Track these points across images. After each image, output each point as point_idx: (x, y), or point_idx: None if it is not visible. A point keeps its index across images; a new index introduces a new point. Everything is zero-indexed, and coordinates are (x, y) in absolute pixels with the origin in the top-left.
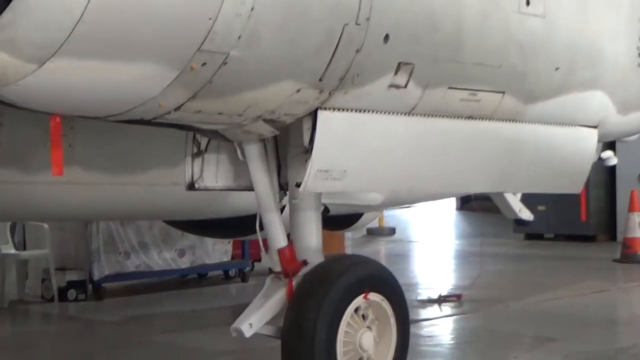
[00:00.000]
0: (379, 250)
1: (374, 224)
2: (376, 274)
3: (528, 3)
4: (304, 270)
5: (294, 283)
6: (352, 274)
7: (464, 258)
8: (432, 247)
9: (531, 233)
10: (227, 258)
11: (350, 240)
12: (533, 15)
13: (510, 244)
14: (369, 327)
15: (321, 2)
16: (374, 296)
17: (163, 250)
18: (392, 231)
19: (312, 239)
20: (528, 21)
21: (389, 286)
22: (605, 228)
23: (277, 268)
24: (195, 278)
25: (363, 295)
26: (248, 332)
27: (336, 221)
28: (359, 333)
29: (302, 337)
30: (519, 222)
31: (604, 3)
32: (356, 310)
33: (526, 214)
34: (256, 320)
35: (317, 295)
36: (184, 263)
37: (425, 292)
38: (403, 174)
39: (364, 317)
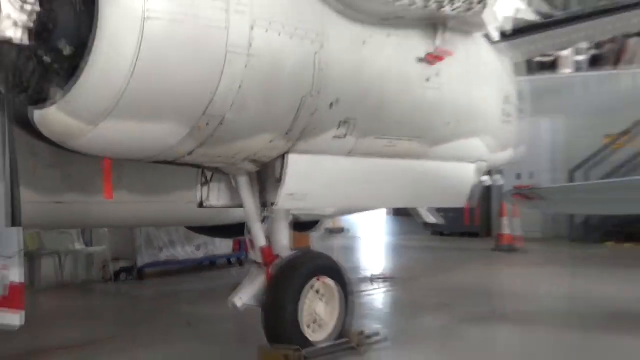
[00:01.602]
0: (334, 244)
1: (330, 224)
2: (327, 263)
3: (428, 80)
4: (278, 261)
5: (271, 270)
6: (310, 264)
7: (393, 249)
8: (371, 241)
9: (436, 231)
10: (229, 250)
11: (314, 237)
12: (432, 89)
13: (421, 239)
14: (321, 299)
15: (287, 81)
16: (325, 279)
17: (185, 246)
18: (343, 230)
19: (283, 240)
20: (428, 93)
21: (336, 272)
22: (485, 228)
23: (259, 260)
24: (208, 265)
25: (317, 278)
26: (239, 304)
27: (303, 225)
28: (314, 303)
29: (276, 306)
30: (426, 224)
31: (479, 80)
32: (313, 287)
33: (433, 219)
34: (245, 295)
35: (286, 279)
36: (200, 254)
37: (364, 272)
38: (345, 195)
39: (318, 292)
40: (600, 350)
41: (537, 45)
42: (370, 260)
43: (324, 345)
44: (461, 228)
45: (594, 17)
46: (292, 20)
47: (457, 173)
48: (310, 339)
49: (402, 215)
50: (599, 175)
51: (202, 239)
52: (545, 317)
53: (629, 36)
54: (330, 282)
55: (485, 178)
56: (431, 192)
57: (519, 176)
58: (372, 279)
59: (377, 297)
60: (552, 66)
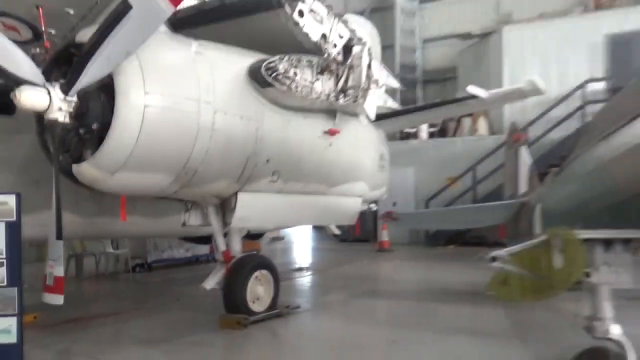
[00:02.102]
0: (275, 247)
1: (273, 233)
2: (264, 261)
3: (330, 145)
4: (233, 260)
5: (229, 266)
6: (253, 262)
7: (313, 250)
8: (299, 245)
9: (340, 239)
10: (207, 252)
11: (262, 243)
12: (332, 151)
13: (330, 244)
14: (260, 284)
15: (238, 147)
16: (263, 271)
17: (179, 248)
18: (281, 238)
19: (236, 246)
20: (329, 154)
21: (270, 266)
22: (372, 236)
23: (222, 259)
24: (194, 261)
25: (258, 271)
26: (208, 287)
27: (254, 235)
28: (256, 287)
29: (231, 289)
30: (333, 235)
31: (362, 145)
32: (255, 277)
33: (336, 231)
34: (212, 281)
35: (238, 271)
36: (189, 254)
37: (294, 265)
38: (277, 218)
39: (258, 279)
40: (432, 312)
41: (402, 122)
42: (298, 258)
43: (261, 314)
44: (356, 237)
45: (436, 107)
46: (241, 109)
47: (349, 203)
48: (253, 309)
49: (319, 228)
50: (442, 203)
51: (190, 244)
52: (404, 292)
53: (462, 116)
54: (266, 273)
55: (372, 205)
56: (332, 215)
57: (394, 204)
58: (299, 269)
59: (301, 281)
60: (415, 135)
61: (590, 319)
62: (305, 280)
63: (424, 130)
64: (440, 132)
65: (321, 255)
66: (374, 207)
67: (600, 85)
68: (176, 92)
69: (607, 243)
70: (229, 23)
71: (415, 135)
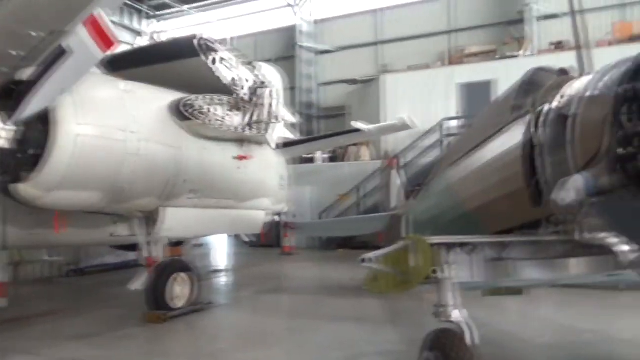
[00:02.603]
0: (196, 252)
1: (194, 241)
2: (183, 265)
3: (239, 168)
4: (155, 265)
5: (151, 270)
6: (174, 266)
7: (229, 255)
8: (218, 250)
9: (251, 244)
10: (134, 257)
11: (185, 248)
12: (241, 173)
13: (243, 249)
14: (179, 285)
15: (160, 169)
16: (182, 274)
17: (111, 255)
18: (202, 244)
19: (159, 252)
20: (239, 175)
21: (189, 269)
22: (277, 242)
23: (145, 264)
24: (124, 266)
25: (177, 273)
26: (133, 288)
27: (177, 243)
28: (175, 287)
29: (153, 289)
30: (244, 241)
31: (267, 168)
32: (175, 279)
33: (247, 238)
34: (137, 283)
35: (159, 274)
36: (119, 260)
37: (212, 267)
38: (194, 229)
39: (177, 281)
40: (324, 304)
41: (301, 150)
42: (215, 261)
43: (180, 310)
44: (264, 242)
45: (328, 138)
46: (163, 138)
47: (255, 216)
48: (173, 306)
49: (233, 236)
50: (333, 215)
51: (120, 252)
52: (302, 288)
53: (349, 145)
54: (184, 275)
55: (276, 217)
56: (241, 225)
57: (294, 216)
58: (216, 271)
59: (217, 281)
60: (312, 160)
61: (437, 307)
62: (221, 280)
63: (319, 156)
64: (332, 158)
65: (235, 259)
66: (277, 218)
67: (454, 123)
68: (105, 123)
69: (449, 246)
70: (156, 67)
71: (312, 160)
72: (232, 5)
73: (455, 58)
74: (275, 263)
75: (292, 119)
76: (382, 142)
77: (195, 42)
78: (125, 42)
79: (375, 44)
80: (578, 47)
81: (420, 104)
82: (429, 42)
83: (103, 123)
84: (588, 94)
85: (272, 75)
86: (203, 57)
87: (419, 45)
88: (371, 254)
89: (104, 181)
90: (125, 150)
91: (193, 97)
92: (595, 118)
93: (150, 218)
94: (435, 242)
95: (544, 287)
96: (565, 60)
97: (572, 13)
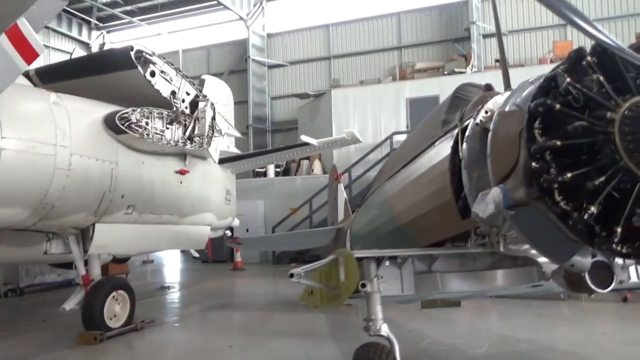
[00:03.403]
0: (146, 268)
1: (144, 257)
2: (121, 282)
3: (181, 182)
4: (92, 283)
5: (88, 288)
6: (111, 284)
7: (180, 271)
8: (168, 266)
9: (202, 260)
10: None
11: (132, 265)
12: (183, 187)
13: (195, 265)
14: (118, 303)
15: (94, 184)
16: (120, 292)
17: (51, 273)
18: (152, 260)
19: (95, 270)
20: (181, 190)
21: (126, 287)
22: (230, 257)
23: (81, 282)
24: (67, 284)
25: (115, 291)
26: (68, 307)
27: (120, 259)
28: (113, 306)
29: (89, 308)
30: (194, 257)
31: (210, 182)
32: (113, 297)
33: (196, 254)
34: (71, 302)
35: (96, 293)
36: (60, 278)
37: (160, 284)
38: (132, 246)
39: (116, 299)
40: (268, 319)
41: (253, 163)
42: (165, 277)
43: (118, 329)
44: (217, 257)
45: (278, 151)
46: (97, 152)
47: (198, 231)
48: (111, 326)
49: (184, 251)
50: (286, 229)
51: (60, 270)
52: (249, 304)
53: (301, 159)
54: (123, 292)
55: (227, 232)
56: (183, 241)
57: (247, 230)
58: (164, 288)
59: (165, 298)
60: (264, 174)
61: (366, 320)
62: (169, 297)
63: (271, 169)
64: (285, 171)
65: (185, 275)
66: (229, 233)
67: (403, 137)
68: (32, 137)
69: (378, 260)
70: (91, 79)
71: (264, 174)
72: (183, 17)
73: (405, 73)
74: (226, 279)
75: (236, 133)
76: (335, 155)
77: (132, 53)
78: (68, 52)
79: (327, 58)
80: (503, 65)
81: (371, 118)
82: (380, 57)
83: (29, 137)
84: (506, 109)
85: (221, 89)
86: (140, 70)
87: (371, 60)
88: (300, 269)
89: (30, 197)
90: (54, 165)
91: (130, 110)
92: (511, 133)
93: (86, 234)
94: (363, 255)
95: (485, 298)
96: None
97: (498, 36)
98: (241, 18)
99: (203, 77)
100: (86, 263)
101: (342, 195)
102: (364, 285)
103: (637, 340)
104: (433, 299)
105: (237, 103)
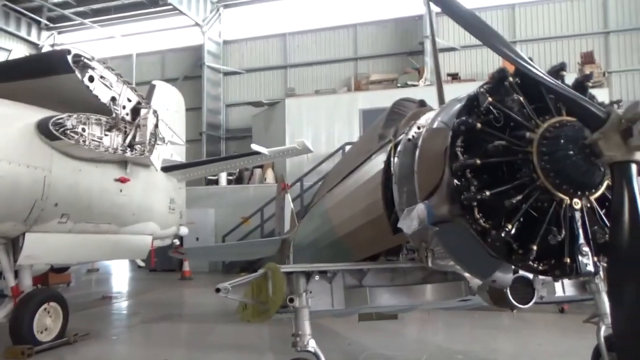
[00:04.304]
0: (91, 278)
1: (89, 266)
2: (54, 294)
3: (121, 191)
4: (22, 295)
5: (17, 300)
6: (42, 295)
7: (126, 280)
8: (114, 275)
9: (150, 269)
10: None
11: (75, 274)
12: (123, 196)
13: (142, 274)
14: (50, 316)
15: (24, 192)
16: (52, 304)
17: None
18: (97, 269)
19: (26, 281)
20: (121, 198)
21: (59, 299)
22: (179, 266)
23: (10, 294)
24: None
25: (48, 303)
26: None
27: (60, 269)
28: (44, 318)
29: (18, 321)
30: (139, 266)
31: (154, 191)
32: (45, 309)
33: (142, 263)
34: (0, 314)
35: (26, 305)
36: None
37: (101, 294)
38: (67, 256)
39: (48, 312)
40: (210, 331)
41: (197, 172)
42: (110, 287)
43: (49, 343)
44: (165, 266)
45: (229, 159)
46: (28, 158)
47: (139, 241)
48: (41, 340)
49: (132, 261)
50: (237, 238)
51: None
52: (194, 315)
53: (254, 167)
54: (55, 304)
55: (175, 240)
56: (124, 251)
57: (197, 239)
58: (107, 298)
59: (107, 309)
60: (216, 182)
61: (294, 336)
62: (110, 307)
63: (224, 177)
64: (237, 179)
65: (131, 284)
66: (177, 242)
67: None
68: None
69: (308, 274)
70: (25, 82)
71: (216, 182)
72: (138, 21)
73: (360, 84)
74: (173, 288)
75: (180, 141)
76: (288, 165)
77: (70, 57)
78: (23, 53)
79: (283, 67)
80: (438, 80)
81: (324, 127)
82: (336, 67)
83: None
84: (434, 126)
85: (172, 95)
86: (78, 74)
87: (327, 70)
88: (227, 283)
89: None
90: None
91: (65, 115)
92: (436, 149)
93: (15, 244)
94: (292, 270)
95: (423, 310)
96: (460, 89)
97: (434, 51)
98: (197, 24)
99: (154, 82)
100: (17, 273)
101: (289, 205)
102: (291, 300)
103: (569, 351)
104: (369, 312)
105: (191, 109)
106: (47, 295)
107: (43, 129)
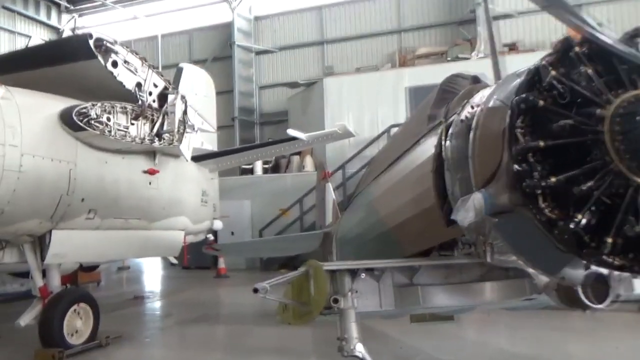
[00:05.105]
0: (122, 276)
1: (119, 264)
2: (83, 294)
3: (150, 183)
4: (51, 296)
5: (46, 301)
6: (71, 296)
7: (160, 278)
8: (146, 274)
9: (183, 267)
10: None
11: (105, 273)
12: (152, 189)
13: (175, 272)
14: (80, 318)
15: (49, 187)
16: (82, 304)
17: (13, 283)
18: (128, 267)
19: (55, 282)
20: (150, 191)
21: (89, 300)
22: (214, 263)
23: (38, 294)
24: (31, 296)
25: (77, 304)
26: (23, 323)
27: (90, 267)
28: (74, 320)
29: (47, 323)
30: (172, 264)
31: (184, 182)
32: (74, 310)
33: (175, 261)
34: (27, 317)
35: (55, 306)
36: (24, 288)
37: (137, 293)
38: (95, 254)
39: (78, 313)
40: (249, 334)
41: (230, 161)
42: (142, 286)
43: (80, 346)
44: (199, 264)
45: (264, 146)
46: (52, 151)
47: (171, 237)
48: (72, 343)
49: (164, 258)
50: (275, 232)
51: (21, 279)
52: (231, 316)
53: (292, 154)
54: (85, 305)
55: (209, 235)
56: (155, 248)
57: (232, 233)
58: (140, 297)
59: (139, 309)
60: (251, 171)
61: (340, 340)
62: (142, 308)
63: (259, 166)
64: (274, 168)
65: (164, 283)
66: (210, 237)
67: None
68: None
69: (353, 272)
70: (46, 70)
71: (251, 171)
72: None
73: (406, 60)
74: (208, 287)
75: (211, 128)
76: (328, 151)
77: (91, 42)
78: (41, 39)
79: (320, 43)
80: (493, 52)
81: (367, 109)
82: (378, 42)
83: None
84: (489, 104)
85: (201, 78)
86: (101, 60)
87: (368, 45)
88: (265, 283)
89: None
90: (2, 167)
91: (89, 104)
92: (493, 131)
93: (43, 242)
94: (335, 268)
95: (482, 311)
96: (520, 62)
97: (487, 19)
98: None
99: (181, 65)
100: (45, 273)
101: (331, 195)
102: (336, 301)
103: None
104: (422, 313)
105: (221, 93)
106: (77, 295)
107: (66, 119)
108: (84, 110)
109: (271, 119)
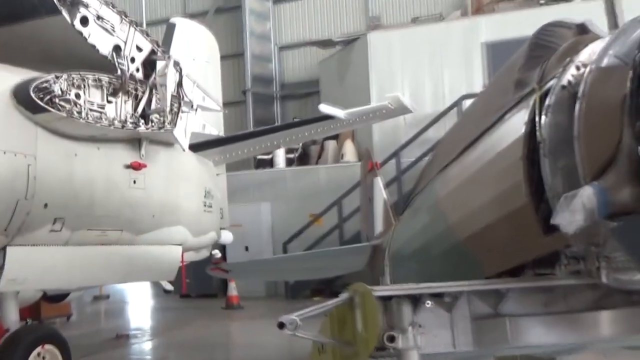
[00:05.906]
0: (100, 308)
1: (96, 291)
2: (50, 333)
3: (135, 182)
4: (6, 335)
5: (1, 341)
6: (33, 335)
7: (148, 310)
8: (131, 304)
9: (181, 294)
10: None
11: (77, 303)
12: (137, 189)
13: (170, 301)
14: None
15: (1, 188)
16: (48, 347)
17: None
18: (107, 296)
19: (12, 316)
20: (134, 192)
21: (58, 340)
22: (222, 289)
23: None
24: None
25: (41, 346)
26: None
27: (57, 297)
28: None
29: None
30: (165, 290)
31: (180, 180)
32: (37, 354)
33: (170, 287)
34: None
35: (13, 349)
36: None
37: (119, 331)
38: (64, 278)
39: (42, 357)
40: None
41: (244, 149)
42: (126, 321)
43: None
44: (202, 290)
45: (288, 129)
46: (4, 142)
47: (165, 254)
48: None
49: (155, 283)
50: (303, 247)
51: None
52: None
53: (326, 139)
54: (52, 348)
55: (215, 252)
56: (143, 270)
57: (246, 248)
58: (122, 337)
59: (123, 353)
60: (271, 162)
61: None
62: (129, 350)
63: (281, 156)
64: (301, 158)
65: (156, 317)
66: (217, 253)
67: None
68: None
69: (415, 299)
70: None
71: (271, 163)
72: None
73: (482, 5)
74: (216, 322)
75: (213, 105)
76: (376, 134)
77: None
78: None
79: None
80: None
81: (429, 75)
82: None
83: None
84: (603, 63)
85: (201, 38)
86: (66, 15)
87: None
88: (295, 315)
89: None
90: None
91: (51, 77)
92: (609, 101)
93: None
94: (390, 293)
95: (596, 350)
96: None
97: None
98: None
99: (172, 20)
100: None
101: (381, 194)
102: (392, 339)
103: None
104: (511, 355)
105: (228, 57)
106: (41, 334)
107: (22, 97)
108: (45, 84)
109: (296, 91)
